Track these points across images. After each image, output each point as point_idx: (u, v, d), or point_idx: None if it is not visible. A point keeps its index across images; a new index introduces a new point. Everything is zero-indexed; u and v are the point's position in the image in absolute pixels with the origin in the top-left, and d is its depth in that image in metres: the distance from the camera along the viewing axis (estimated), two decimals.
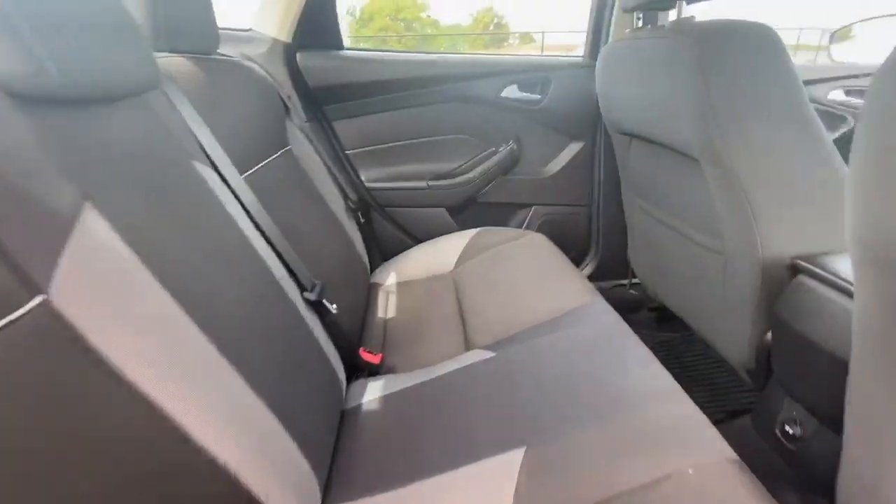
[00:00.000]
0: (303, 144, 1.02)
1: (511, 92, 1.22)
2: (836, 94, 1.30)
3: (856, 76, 1.28)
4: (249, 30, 1.12)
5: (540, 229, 1.36)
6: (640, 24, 0.95)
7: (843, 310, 0.60)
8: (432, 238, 1.24)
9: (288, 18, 1.08)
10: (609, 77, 0.96)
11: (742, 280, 0.76)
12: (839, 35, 1.55)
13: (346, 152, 1.23)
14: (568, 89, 1.22)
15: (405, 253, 1.21)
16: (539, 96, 1.22)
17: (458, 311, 0.94)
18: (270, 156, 0.85)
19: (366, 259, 1.10)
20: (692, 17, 0.73)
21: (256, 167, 0.78)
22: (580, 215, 1.37)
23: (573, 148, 1.29)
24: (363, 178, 1.25)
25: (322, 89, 1.16)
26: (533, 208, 1.35)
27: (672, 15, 0.95)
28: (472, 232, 1.20)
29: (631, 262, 1.24)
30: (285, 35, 1.10)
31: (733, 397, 1.08)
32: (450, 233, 1.24)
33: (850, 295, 0.59)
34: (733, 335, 0.84)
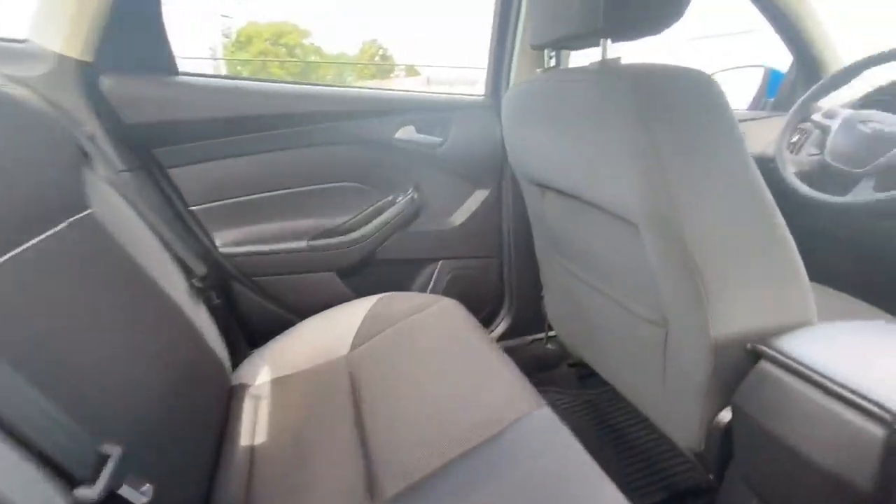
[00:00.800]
0: (113, 204, 0.70)
1: (407, 133, 1.04)
2: None
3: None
4: (25, 41, 0.78)
5: (449, 285, 1.18)
6: (553, 62, 0.84)
7: (812, 403, 0.51)
8: (319, 311, 0.98)
9: (83, 26, 0.75)
10: (517, 121, 0.83)
11: (689, 360, 0.65)
12: None
13: (192, 209, 0.92)
14: (470, 131, 1.08)
15: (284, 335, 0.93)
16: (439, 139, 1.06)
17: (358, 427, 0.69)
18: (49, 229, 0.53)
19: (223, 353, 0.80)
20: (618, 58, 0.62)
21: (17, 250, 0.47)
22: (491, 267, 1.23)
23: (479, 195, 1.15)
24: (217, 241, 0.95)
25: (147, 127, 0.85)
26: (440, 263, 1.17)
27: (576, 56, 0.87)
28: (371, 300, 0.98)
29: (547, 316, 1.12)
30: (80, 50, 0.77)
31: (677, 473, 0.99)
32: (342, 302, 1.00)
33: (818, 386, 0.50)
34: (678, 415, 0.73)
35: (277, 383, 0.82)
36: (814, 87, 1.09)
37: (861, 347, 0.54)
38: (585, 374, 1.25)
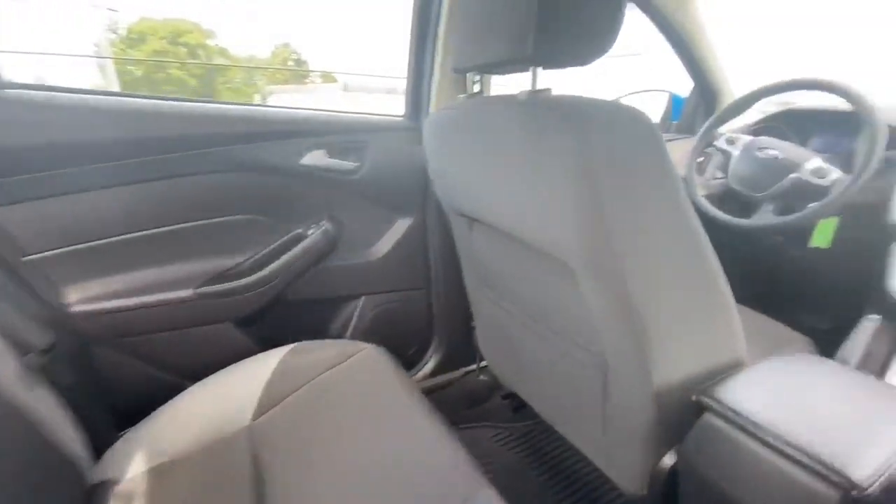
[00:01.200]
0: None
1: (317, 158, 0.91)
2: None
3: None
4: None
5: (374, 322, 1.07)
6: (478, 87, 0.77)
7: (762, 461, 0.49)
8: (213, 372, 0.82)
9: None
10: (440, 150, 0.75)
11: (631, 406, 0.62)
12: None
13: (26, 258, 0.71)
14: (389, 155, 0.98)
15: (166, 407, 0.75)
16: (355, 164, 0.95)
17: None
18: None
19: (76, 446, 0.62)
20: (548, 89, 0.56)
21: None
22: (418, 300, 1.14)
23: (402, 224, 1.05)
24: (70, 298, 0.74)
25: None
26: (362, 299, 1.05)
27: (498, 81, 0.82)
28: (279, 352, 0.83)
29: (479, 347, 1.05)
30: None
31: None
32: (243, 358, 0.84)
33: (768, 445, 0.49)
34: (620, 458, 0.70)
35: (155, 474, 0.65)
36: (715, 115, 1.15)
37: (802, 395, 0.54)
38: (519, 405, 1.20)
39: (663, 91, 1.52)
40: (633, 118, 0.49)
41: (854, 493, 0.42)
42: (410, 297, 1.12)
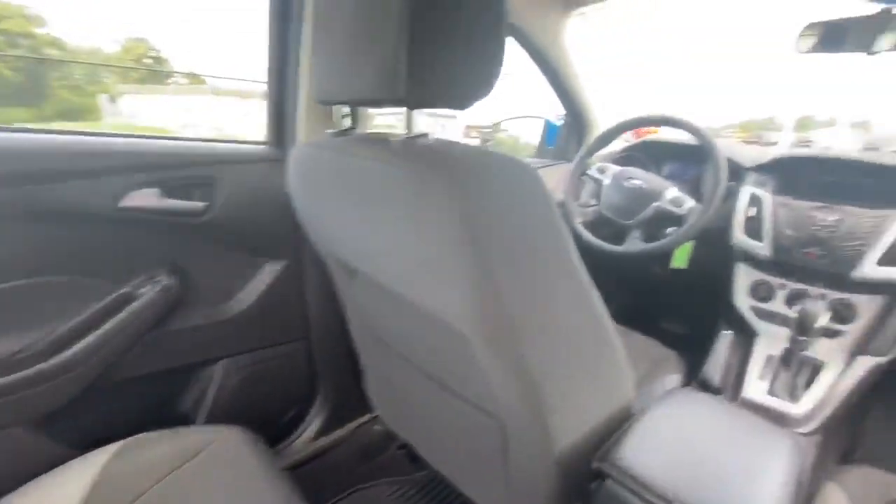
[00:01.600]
0: None
1: (145, 199, 0.72)
2: None
3: None
4: None
5: (239, 389, 0.89)
6: (348, 122, 0.66)
7: None
8: (15, 489, 0.59)
9: None
10: (308, 192, 0.64)
11: (534, 470, 0.57)
12: (495, 127, 1.78)
13: None
14: (248, 190, 0.83)
15: None
16: (202, 203, 0.78)
17: None
18: None
19: None
20: (425, 134, 0.49)
21: None
22: (297, 353, 0.99)
23: (271, 269, 0.90)
24: None
25: None
26: (220, 363, 0.87)
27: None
28: (103, 454, 0.63)
29: (370, 398, 0.94)
30: None
31: None
32: (47, 470, 0.62)
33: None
34: None
35: None
36: (586, 147, 1.21)
37: (692, 448, 0.54)
38: (416, 455, 1.12)
39: (539, 118, 1.58)
40: (517, 172, 0.43)
41: None
42: (287, 351, 0.96)
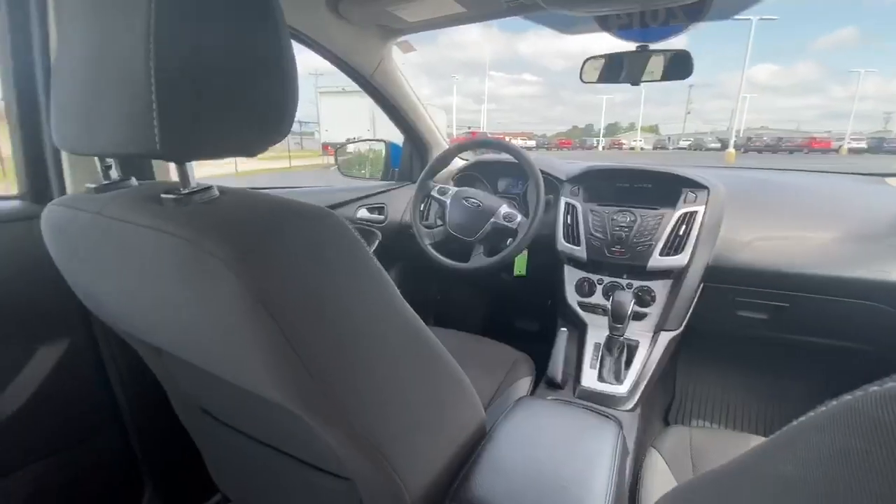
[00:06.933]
0: None
1: None
2: (362, 213, 1.39)
3: (371, 195, 1.41)
4: None
5: None
6: (113, 173, 0.53)
7: None
8: None
9: None
10: (73, 262, 0.51)
11: None
12: (339, 151, 1.73)
13: None
14: (1, 257, 0.64)
15: None
16: None
17: None
18: None
19: None
20: (208, 187, 0.42)
21: None
22: (108, 446, 0.80)
23: (50, 353, 0.70)
24: None
25: None
26: (6, 482, 0.65)
27: None
28: None
29: (215, 479, 0.81)
30: None
31: None
32: None
33: None
34: None
35: None
36: (425, 170, 1.24)
37: (534, 464, 0.56)
38: None
39: (380, 141, 1.58)
40: (313, 223, 0.39)
41: None
42: (93, 447, 0.77)
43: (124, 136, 0.36)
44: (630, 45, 1.05)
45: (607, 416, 0.67)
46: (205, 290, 0.36)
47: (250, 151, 0.41)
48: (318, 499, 0.62)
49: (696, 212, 1.05)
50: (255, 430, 0.61)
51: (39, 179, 0.68)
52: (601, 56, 1.05)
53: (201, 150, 0.38)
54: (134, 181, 0.51)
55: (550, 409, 0.69)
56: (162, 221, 0.38)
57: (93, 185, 0.49)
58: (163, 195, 0.41)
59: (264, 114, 0.40)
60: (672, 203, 1.08)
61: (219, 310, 0.37)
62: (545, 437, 0.62)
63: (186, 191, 0.40)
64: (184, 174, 0.41)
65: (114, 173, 0.51)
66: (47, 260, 0.54)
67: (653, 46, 1.00)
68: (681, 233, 1.04)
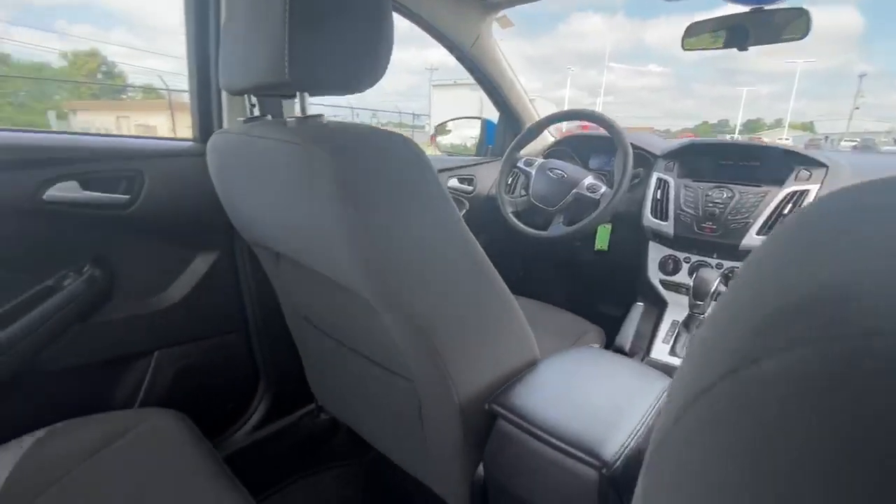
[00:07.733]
0: None
1: (68, 190, 0.74)
2: (453, 182, 1.49)
3: (463, 167, 1.50)
4: None
5: (176, 382, 0.91)
6: (257, 111, 0.71)
7: (538, 455, 0.54)
8: None
9: None
10: (226, 178, 0.68)
11: (442, 421, 0.63)
12: (440, 129, 1.85)
13: None
14: (175, 183, 0.85)
15: None
16: (125, 196, 0.80)
17: None
18: None
19: None
20: (320, 115, 0.54)
21: None
22: (235, 344, 1.01)
23: (204, 260, 0.92)
24: None
25: None
26: (155, 355, 0.89)
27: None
28: (32, 436, 0.65)
29: (311, 385, 0.98)
30: None
31: None
32: None
33: (540, 439, 0.53)
34: (443, 476, 0.71)
35: None
36: (514, 142, 1.29)
37: (577, 390, 0.60)
38: (362, 440, 1.16)
39: (478, 118, 1.66)
40: (393, 140, 0.49)
41: (604, 471, 0.48)
42: (224, 342, 0.99)
43: (265, 71, 0.50)
44: (744, 8, 0.98)
45: (662, 377, 0.67)
46: (311, 184, 0.48)
47: (354, 89, 0.52)
48: (391, 404, 0.73)
49: (807, 190, 0.95)
50: (342, 335, 0.74)
51: (207, 124, 0.89)
52: (706, 20, 1.00)
53: (317, 84, 0.50)
54: (269, 117, 0.67)
55: (606, 355, 0.71)
56: (286, 135, 0.51)
57: (241, 119, 0.65)
58: (288, 119, 0.54)
59: (365, 55, 0.51)
60: (780, 181, 0.99)
61: (318, 201, 0.48)
62: (594, 373, 0.64)
63: (304, 115, 0.53)
64: (303, 103, 0.54)
65: (256, 111, 0.67)
66: (210, 188, 0.72)
67: (767, 7, 0.92)
68: (785, 212, 0.95)
